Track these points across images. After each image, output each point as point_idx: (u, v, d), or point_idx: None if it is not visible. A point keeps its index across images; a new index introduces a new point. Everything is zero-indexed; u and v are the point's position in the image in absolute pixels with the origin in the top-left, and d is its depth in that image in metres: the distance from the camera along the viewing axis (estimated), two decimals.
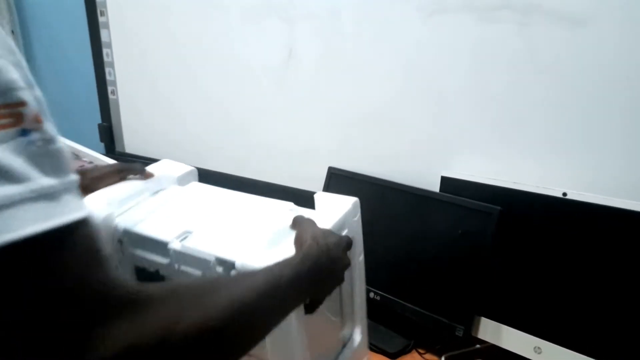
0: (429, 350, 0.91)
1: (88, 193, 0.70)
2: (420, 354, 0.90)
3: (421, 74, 0.97)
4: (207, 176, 1.34)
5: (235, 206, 0.72)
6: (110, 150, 1.51)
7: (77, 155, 1.12)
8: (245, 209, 0.71)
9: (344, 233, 0.66)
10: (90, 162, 1.09)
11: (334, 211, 0.68)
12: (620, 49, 0.78)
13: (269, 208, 0.72)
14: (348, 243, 0.61)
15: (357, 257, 0.69)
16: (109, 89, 1.48)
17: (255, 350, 0.46)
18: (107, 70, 1.47)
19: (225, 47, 1.22)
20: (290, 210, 0.70)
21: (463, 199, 0.87)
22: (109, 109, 1.50)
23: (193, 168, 0.87)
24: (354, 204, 0.71)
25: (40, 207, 0.28)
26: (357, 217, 0.72)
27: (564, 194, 0.79)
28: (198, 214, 0.68)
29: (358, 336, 0.72)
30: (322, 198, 0.73)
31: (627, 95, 0.79)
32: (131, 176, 0.75)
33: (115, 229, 0.63)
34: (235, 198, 0.75)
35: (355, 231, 0.71)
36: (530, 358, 0.81)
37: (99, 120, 1.53)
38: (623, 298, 0.74)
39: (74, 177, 0.32)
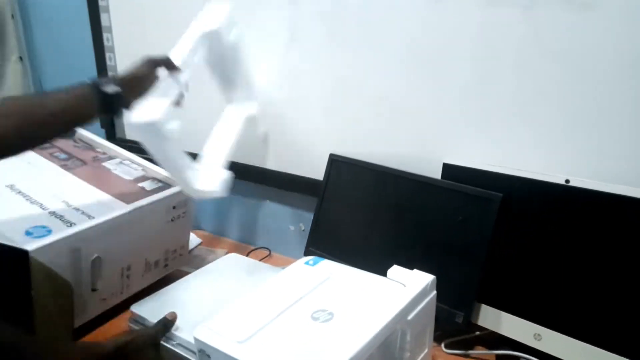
0: None
1: (133, 101, 0.80)
2: None
3: (425, 60, 0.96)
4: None
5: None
6: (110, 136, 1.51)
7: (90, 146, 1.13)
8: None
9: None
10: (104, 153, 1.09)
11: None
12: (628, 35, 0.76)
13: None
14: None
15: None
16: (110, 74, 1.47)
17: None
18: (107, 55, 1.46)
19: None
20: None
21: (464, 185, 0.87)
22: None
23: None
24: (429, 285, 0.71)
25: None
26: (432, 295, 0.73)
27: (567, 181, 0.79)
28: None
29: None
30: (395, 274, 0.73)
31: (633, 82, 0.78)
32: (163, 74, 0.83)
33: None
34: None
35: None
36: (530, 345, 0.81)
37: None
38: (624, 286, 0.74)
39: None
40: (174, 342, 0.69)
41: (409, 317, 0.66)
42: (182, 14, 1.27)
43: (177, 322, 0.71)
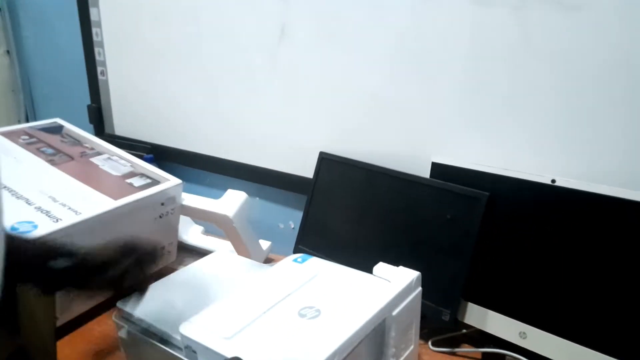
0: None
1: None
2: None
3: (416, 59, 0.96)
4: (196, 160, 1.34)
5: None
6: (99, 132, 1.50)
7: (78, 141, 1.11)
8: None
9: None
10: (92, 148, 1.09)
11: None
12: (616, 35, 0.77)
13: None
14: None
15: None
16: (99, 69, 1.46)
17: None
18: (96, 50, 1.45)
19: (217, 26, 1.20)
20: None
21: (452, 184, 0.88)
22: (98, 90, 1.49)
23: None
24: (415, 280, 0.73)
25: None
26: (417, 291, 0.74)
27: (553, 181, 0.80)
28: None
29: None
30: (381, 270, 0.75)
31: (622, 83, 0.79)
32: None
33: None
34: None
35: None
36: (515, 343, 0.82)
37: (88, 101, 1.51)
38: (608, 285, 0.75)
39: None
40: (158, 337, 0.69)
41: (394, 313, 0.66)
42: (172, 9, 1.26)
43: (163, 317, 0.70)
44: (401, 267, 0.74)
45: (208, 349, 0.57)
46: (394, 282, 0.70)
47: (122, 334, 0.74)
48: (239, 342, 0.58)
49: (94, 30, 1.42)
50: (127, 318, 0.73)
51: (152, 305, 0.73)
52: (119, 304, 0.74)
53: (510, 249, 0.84)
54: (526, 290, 0.82)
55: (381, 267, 0.74)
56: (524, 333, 0.81)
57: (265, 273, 0.75)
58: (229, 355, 0.55)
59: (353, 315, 0.62)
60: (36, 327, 0.77)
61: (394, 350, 0.67)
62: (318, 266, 0.76)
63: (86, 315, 0.88)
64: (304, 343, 0.58)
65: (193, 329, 0.60)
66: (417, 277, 0.72)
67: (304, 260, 0.78)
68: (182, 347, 0.61)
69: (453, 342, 0.88)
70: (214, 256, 0.91)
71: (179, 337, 0.62)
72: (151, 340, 0.69)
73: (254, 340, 0.58)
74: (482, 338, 0.87)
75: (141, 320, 0.71)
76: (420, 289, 0.73)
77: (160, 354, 0.68)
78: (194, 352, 0.59)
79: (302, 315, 0.63)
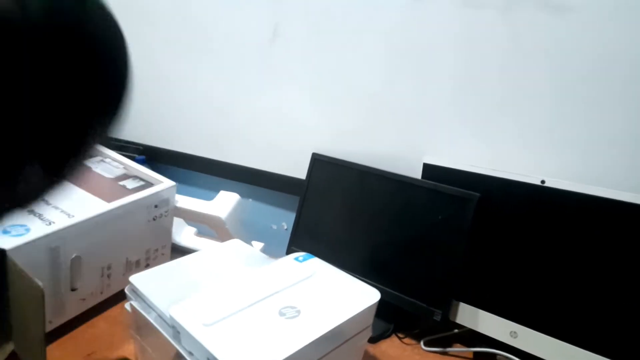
0: (408, 334, 0.93)
1: None
2: (399, 338, 0.92)
3: (407, 59, 0.97)
4: (188, 161, 1.34)
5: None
6: None
7: None
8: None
9: None
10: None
11: None
12: (606, 35, 0.79)
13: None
14: None
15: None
16: None
17: None
18: None
19: (209, 27, 1.20)
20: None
21: (443, 185, 0.88)
22: None
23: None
24: None
25: None
26: None
27: (543, 182, 0.80)
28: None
29: None
30: None
31: (610, 84, 0.80)
32: None
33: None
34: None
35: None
36: (506, 342, 0.83)
37: None
38: (597, 285, 0.76)
39: None
40: (155, 315, 0.71)
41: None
42: (164, 11, 1.26)
43: (162, 296, 0.73)
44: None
45: (188, 333, 0.61)
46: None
47: (127, 306, 0.76)
48: (216, 330, 0.62)
49: None
50: (135, 291, 0.75)
51: (157, 282, 0.76)
52: (130, 278, 0.76)
53: (501, 249, 0.85)
54: (517, 290, 0.83)
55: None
56: (515, 332, 0.82)
57: (264, 267, 0.78)
58: (206, 344, 0.59)
59: (328, 319, 0.65)
60: (27, 332, 0.77)
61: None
62: (316, 267, 0.79)
63: (78, 318, 0.88)
64: (274, 340, 0.61)
65: (179, 312, 0.65)
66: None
67: (304, 260, 0.81)
68: (170, 327, 0.66)
69: (445, 342, 0.89)
70: (228, 244, 0.93)
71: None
72: (147, 317, 0.71)
73: (230, 331, 0.62)
74: (473, 338, 0.88)
75: (144, 295, 0.74)
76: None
77: (154, 330, 0.70)
78: (179, 332, 0.64)
79: (282, 314, 0.66)
